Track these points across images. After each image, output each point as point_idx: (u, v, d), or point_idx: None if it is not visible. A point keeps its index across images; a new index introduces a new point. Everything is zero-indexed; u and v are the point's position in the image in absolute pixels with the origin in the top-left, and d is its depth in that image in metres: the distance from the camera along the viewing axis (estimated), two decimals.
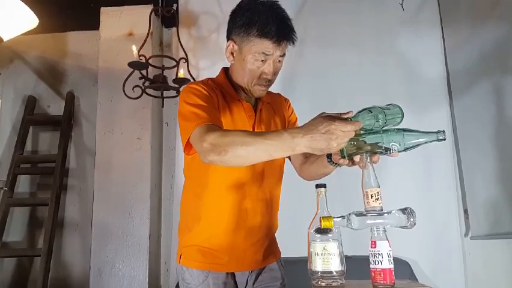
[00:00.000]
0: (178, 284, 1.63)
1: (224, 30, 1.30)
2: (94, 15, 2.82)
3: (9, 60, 3.13)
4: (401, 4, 2.60)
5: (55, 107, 3.02)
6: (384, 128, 1.00)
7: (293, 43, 1.22)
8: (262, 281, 1.30)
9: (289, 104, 1.46)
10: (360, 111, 0.97)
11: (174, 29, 2.72)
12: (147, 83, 2.35)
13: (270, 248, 1.35)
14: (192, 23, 2.72)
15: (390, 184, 2.04)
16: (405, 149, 0.99)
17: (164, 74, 2.39)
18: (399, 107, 1.02)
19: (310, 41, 2.52)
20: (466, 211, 2.40)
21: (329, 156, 1.13)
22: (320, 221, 0.95)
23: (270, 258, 1.34)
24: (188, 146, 1.15)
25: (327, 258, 0.98)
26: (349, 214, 0.96)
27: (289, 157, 1.38)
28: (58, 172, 2.73)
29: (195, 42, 2.71)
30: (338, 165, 1.12)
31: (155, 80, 2.35)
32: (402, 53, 2.58)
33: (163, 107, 2.61)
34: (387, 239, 0.95)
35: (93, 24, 2.87)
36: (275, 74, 1.25)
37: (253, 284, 1.30)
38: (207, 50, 2.67)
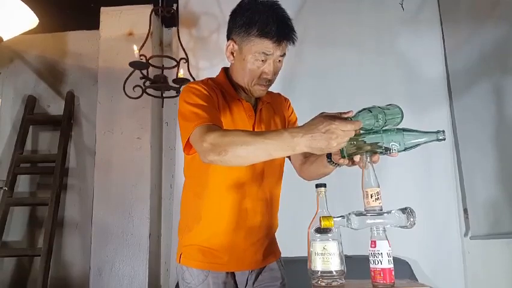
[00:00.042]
0: (178, 283, 1.64)
1: (224, 31, 1.30)
2: (94, 15, 2.82)
3: (9, 59, 3.13)
4: (401, 4, 2.60)
5: (55, 107, 3.02)
6: (384, 128, 1.00)
7: (293, 43, 1.22)
8: (262, 281, 1.30)
9: (289, 104, 1.46)
10: (360, 111, 0.97)
11: (174, 28, 2.73)
12: (148, 83, 2.35)
13: (270, 248, 1.35)
14: (192, 23, 2.72)
15: (390, 184, 2.05)
16: (405, 149, 0.99)
17: (164, 74, 2.39)
18: (399, 107, 1.02)
19: (310, 41, 2.52)
20: (465, 211, 2.40)
21: (329, 156, 1.13)
22: (320, 221, 0.95)
23: (270, 257, 1.34)
24: (188, 146, 1.15)
25: (327, 257, 0.98)
26: (349, 214, 0.96)
27: (289, 157, 1.38)
28: (58, 172, 2.73)
29: (195, 42, 2.71)
30: (338, 165, 1.12)
31: (156, 80, 2.35)
32: (402, 53, 2.58)
33: (162, 107, 2.61)
34: (387, 239, 0.95)
35: (93, 24, 2.87)
36: (275, 73, 1.25)
37: (253, 283, 1.30)
38: (207, 51, 2.67)
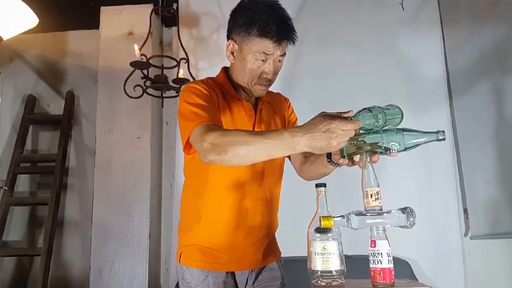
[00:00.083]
0: (178, 283, 1.64)
1: (224, 31, 1.30)
2: (94, 14, 2.82)
3: (9, 59, 3.13)
4: (401, 4, 2.60)
5: (55, 106, 3.02)
6: (384, 128, 1.00)
7: (293, 43, 1.22)
8: (262, 281, 1.30)
9: (289, 104, 1.46)
10: (360, 111, 0.97)
11: (174, 28, 2.73)
12: (148, 83, 2.35)
13: (270, 248, 1.35)
14: (192, 23, 2.72)
15: (390, 184, 2.04)
16: (405, 149, 0.99)
17: (164, 74, 2.39)
18: (399, 108, 1.02)
19: (310, 41, 2.52)
20: (465, 211, 2.40)
21: (329, 156, 1.13)
22: (320, 221, 0.95)
23: (269, 257, 1.34)
24: (188, 146, 1.16)
25: (326, 257, 0.98)
26: (349, 213, 0.96)
27: (289, 157, 1.38)
28: (58, 171, 2.73)
29: (195, 42, 2.71)
30: (338, 165, 1.12)
31: (157, 80, 2.35)
32: (402, 53, 2.58)
33: (162, 106, 2.61)
34: (387, 239, 0.95)
35: (93, 23, 2.87)
36: (275, 73, 1.25)
37: (253, 283, 1.30)
38: (207, 51, 2.67)
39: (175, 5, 2.67)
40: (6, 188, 2.69)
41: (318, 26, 2.62)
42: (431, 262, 2.32)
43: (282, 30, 1.17)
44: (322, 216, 0.95)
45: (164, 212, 2.77)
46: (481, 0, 2.26)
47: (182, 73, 2.36)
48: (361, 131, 0.98)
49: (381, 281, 0.92)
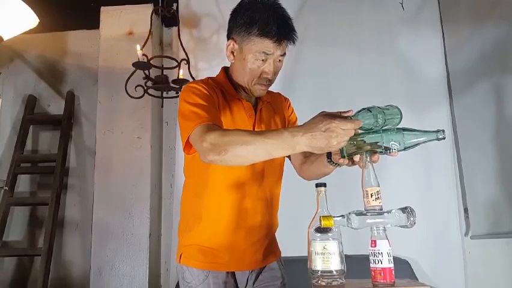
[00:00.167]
0: (178, 283, 1.64)
1: (224, 32, 1.30)
2: (94, 14, 2.82)
3: (10, 59, 3.13)
4: (401, 4, 2.60)
5: (55, 106, 3.02)
6: (383, 128, 1.00)
7: (294, 43, 1.22)
8: (263, 280, 1.30)
9: (289, 104, 1.46)
10: (359, 111, 0.97)
11: (174, 28, 2.72)
12: (149, 83, 2.35)
13: (270, 248, 1.35)
14: (193, 23, 2.72)
15: (390, 183, 2.04)
16: (405, 149, 1.00)
17: (165, 74, 2.39)
18: (398, 108, 1.02)
19: (310, 41, 2.52)
20: (466, 210, 2.40)
21: (329, 156, 1.13)
22: (320, 220, 0.95)
23: (270, 257, 1.34)
24: (188, 145, 1.16)
25: (327, 257, 0.98)
26: (349, 213, 0.96)
27: (289, 157, 1.38)
28: (58, 171, 2.73)
29: (195, 43, 2.71)
30: (338, 165, 1.11)
31: (158, 80, 2.35)
32: (402, 52, 2.59)
33: (162, 106, 2.61)
34: (387, 238, 0.95)
35: (93, 23, 2.87)
36: (275, 73, 1.25)
37: (254, 283, 1.30)
38: (207, 52, 2.66)
39: (175, 5, 2.67)
40: (6, 188, 2.69)
41: (318, 26, 2.62)
42: (432, 262, 2.32)
43: (282, 30, 1.17)
44: (322, 216, 0.95)
45: (164, 212, 2.77)
46: (481, 0, 2.26)
47: (182, 73, 2.36)
48: (361, 131, 0.98)
49: (382, 281, 0.92)
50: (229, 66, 1.33)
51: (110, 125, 2.70)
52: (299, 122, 1.41)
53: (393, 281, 0.92)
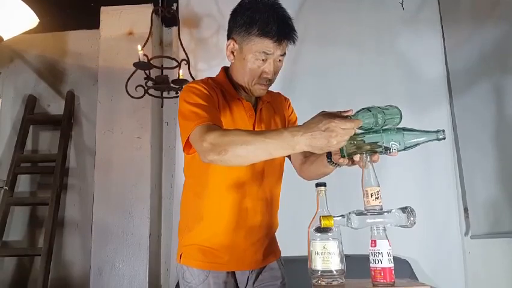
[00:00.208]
0: (178, 283, 1.64)
1: (224, 32, 1.30)
2: (94, 14, 2.83)
3: (10, 59, 3.13)
4: (401, 3, 2.60)
5: (55, 106, 3.02)
6: (383, 128, 1.00)
7: (294, 42, 1.22)
8: (263, 280, 1.30)
9: (289, 104, 1.46)
10: (359, 111, 0.97)
11: (174, 28, 2.72)
12: (150, 83, 2.35)
13: (270, 247, 1.35)
14: (193, 24, 2.72)
15: (390, 183, 2.04)
16: (405, 148, 1.00)
17: (166, 74, 2.39)
18: (398, 108, 1.02)
19: (310, 41, 2.52)
20: (466, 210, 2.40)
21: (329, 156, 1.13)
22: (320, 220, 0.95)
23: (270, 257, 1.34)
24: (188, 145, 1.15)
25: (327, 257, 0.98)
26: (349, 213, 0.96)
27: (289, 157, 1.38)
28: (58, 171, 2.73)
29: (195, 43, 2.71)
30: (338, 165, 1.11)
31: (159, 81, 2.35)
32: (402, 52, 2.59)
33: (162, 106, 2.61)
34: (387, 238, 0.95)
35: (93, 23, 2.87)
36: (275, 73, 1.25)
37: (254, 283, 1.30)
38: (207, 52, 2.67)
39: (175, 5, 2.67)
40: (6, 188, 2.69)
41: (318, 26, 2.62)
42: (432, 261, 2.33)
43: (282, 30, 1.17)
44: (322, 216, 0.95)
45: (164, 212, 2.77)
46: (481, 0, 2.26)
47: (182, 73, 2.36)
48: (361, 131, 0.98)
49: (382, 281, 0.92)
50: (229, 66, 1.33)
51: (110, 125, 2.70)
52: (299, 122, 1.41)
53: (393, 280, 0.92)
